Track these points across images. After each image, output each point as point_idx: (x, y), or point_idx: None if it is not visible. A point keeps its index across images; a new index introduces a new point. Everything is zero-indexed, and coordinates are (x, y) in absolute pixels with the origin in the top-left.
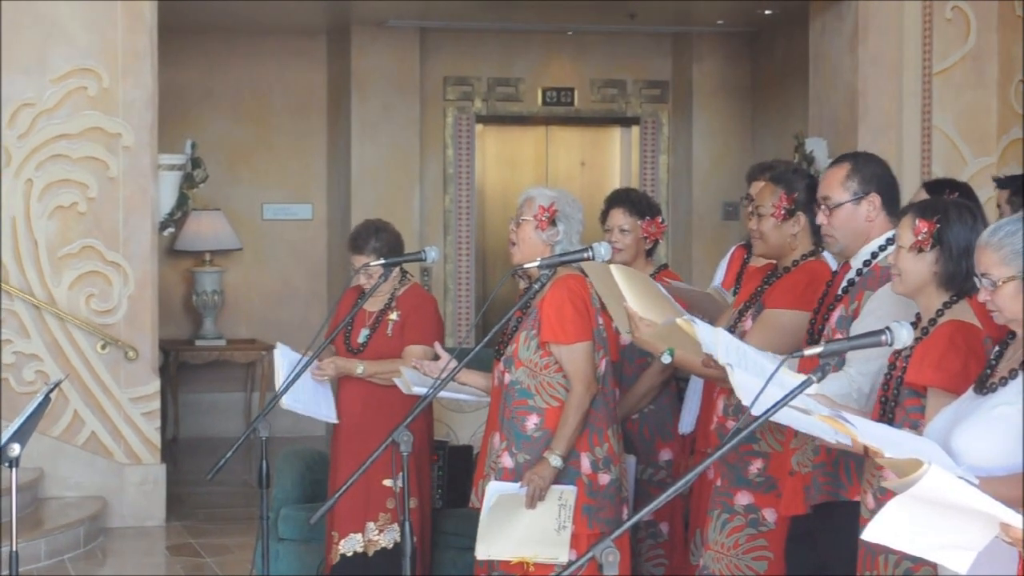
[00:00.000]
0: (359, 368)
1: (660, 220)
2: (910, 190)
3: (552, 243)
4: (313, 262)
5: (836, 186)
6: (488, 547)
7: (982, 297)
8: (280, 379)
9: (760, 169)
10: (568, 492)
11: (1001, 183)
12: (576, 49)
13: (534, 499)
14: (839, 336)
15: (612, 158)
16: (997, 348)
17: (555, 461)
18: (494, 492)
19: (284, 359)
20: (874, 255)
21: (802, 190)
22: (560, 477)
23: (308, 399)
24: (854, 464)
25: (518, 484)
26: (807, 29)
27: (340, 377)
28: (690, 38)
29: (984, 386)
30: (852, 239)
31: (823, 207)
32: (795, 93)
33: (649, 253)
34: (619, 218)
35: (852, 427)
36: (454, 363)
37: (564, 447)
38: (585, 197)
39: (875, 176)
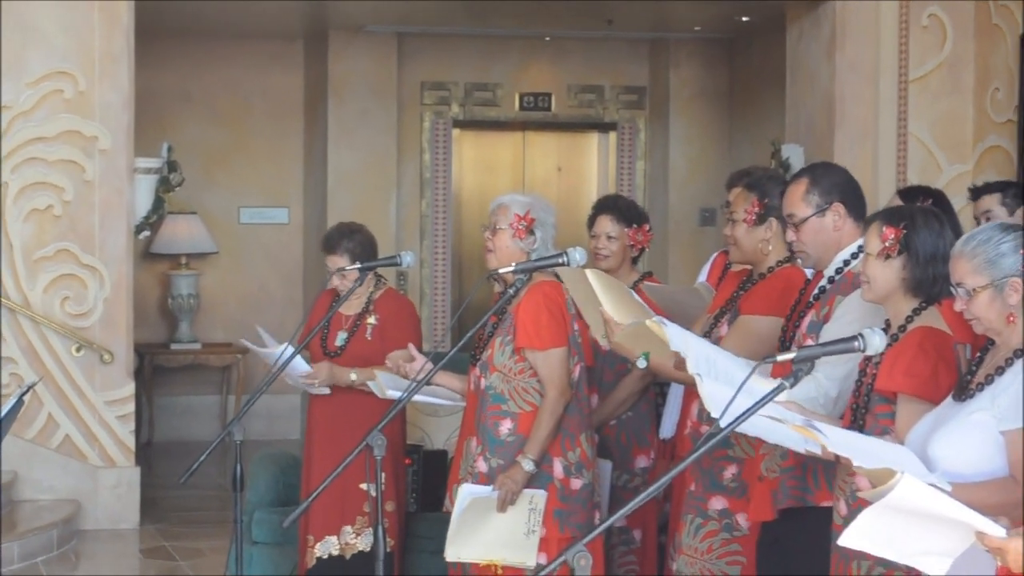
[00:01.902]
0: (351, 376)
1: (647, 228)
2: (885, 197)
3: (529, 250)
4: (289, 266)
5: (798, 202)
6: (458, 549)
7: (958, 306)
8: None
9: (739, 176)
10: (538, 496)
11: (979, 191)
12: (553, 54)
13: (505, 503)
14: (810, 341)
15: (589, 163)
16: (979, 354)
17: (528, 465)
18: (467, 495)
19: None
20: (846, 262)
21: (775, 196)
22: (533, 481)
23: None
24: (822, 469)
25: (491, 487)
26: (784, 36)
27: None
28: (667, 44)
29: (963, 393)
30: (823, 250)
31: (790, 224)
32: (772, 100)
33: (634, 261)
34: (606, 225)
35: (823, 436)
36: (430, 365)
37: (537, 451)
38: (562, 202)
39: (835, 185)
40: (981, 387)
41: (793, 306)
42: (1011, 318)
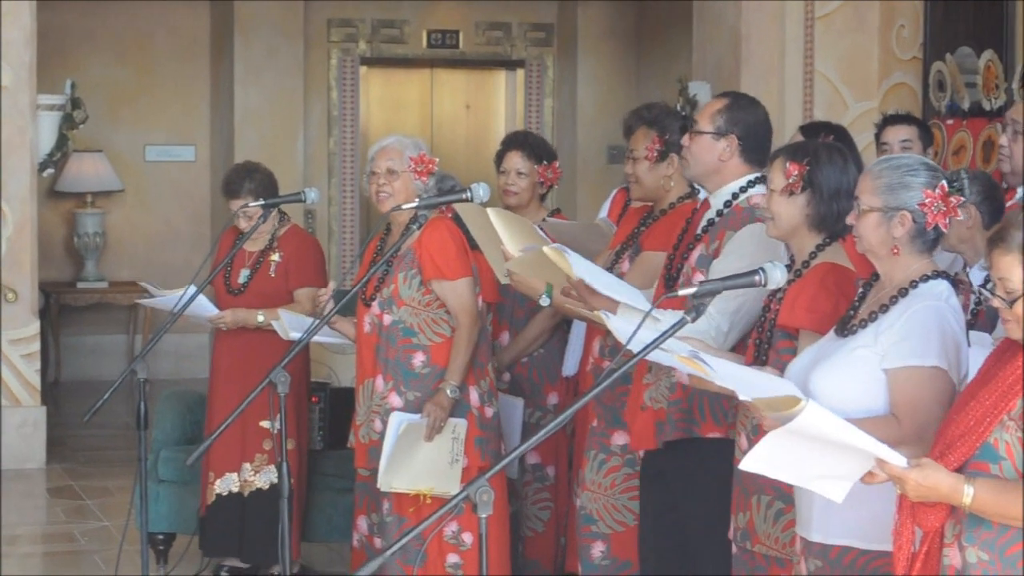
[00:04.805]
0: (259, 317)
1: (556, 165)
2: (791, 134)
3: (424, 191)
4: (196, 204)
5: (706, 116)
6: (390, 479)
7: (849, 220)
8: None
9: (635, 119)
10: (460, 425)
11: (899, 119)
12: None
13: (433, 430)
14: (699, 276)
15: (497, 101)
16: (861, 290)
17: (452, 391)
18: (401, 421)
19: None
20: (735, 196)
21: (676, 132)
22: (453, 410)
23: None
24: (707, 401)
25: (419, 415)
26: None
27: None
28: None
29: (845, 328)
30: (702, 171)
31: (691, 131)
32: (679, 38)
33: (542, 198)
34: (516, 161)
35: (709, 368)
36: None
37: (458, 378)
38: (470, 140)
39: (742, 120)
40: (864, 323)
41: (680, 236)
42: (895, 250)
